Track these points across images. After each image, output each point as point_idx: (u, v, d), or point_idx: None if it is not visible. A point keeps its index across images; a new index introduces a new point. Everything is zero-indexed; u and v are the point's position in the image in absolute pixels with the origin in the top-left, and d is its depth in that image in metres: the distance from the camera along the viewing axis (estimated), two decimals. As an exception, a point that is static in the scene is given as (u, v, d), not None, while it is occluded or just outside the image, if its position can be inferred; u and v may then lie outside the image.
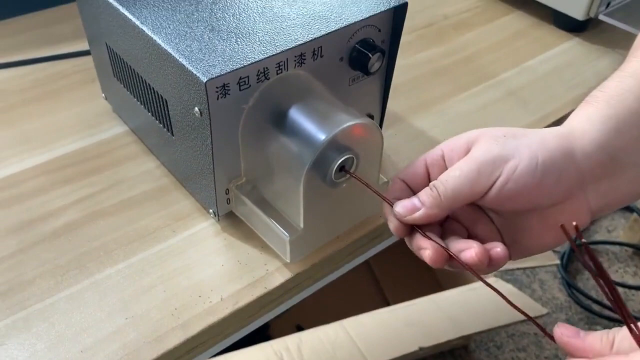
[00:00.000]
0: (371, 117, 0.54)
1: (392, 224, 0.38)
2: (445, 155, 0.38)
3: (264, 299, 0.45)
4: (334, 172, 0.40)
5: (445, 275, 1.28)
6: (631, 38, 0.72)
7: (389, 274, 1.30)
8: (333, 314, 1.07)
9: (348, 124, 0.40)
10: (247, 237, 0.48)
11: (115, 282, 0.44)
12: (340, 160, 0.40)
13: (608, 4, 0.71)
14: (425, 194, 0.37)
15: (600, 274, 0.27)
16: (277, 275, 0.45)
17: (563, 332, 0.30)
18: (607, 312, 1.33)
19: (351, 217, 0.48)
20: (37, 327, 0.41)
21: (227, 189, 0.46)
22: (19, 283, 0.44)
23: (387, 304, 1.22)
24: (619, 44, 0.74)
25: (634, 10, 0.72)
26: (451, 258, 0.35)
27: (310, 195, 0.41)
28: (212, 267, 0.46)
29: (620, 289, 1.37)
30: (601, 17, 0.71)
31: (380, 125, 0.56)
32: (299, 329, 1.12)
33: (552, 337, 0.31)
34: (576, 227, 0.26)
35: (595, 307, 1.35)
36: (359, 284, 1.29)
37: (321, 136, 0.39)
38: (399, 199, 0.38)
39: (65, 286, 0.44)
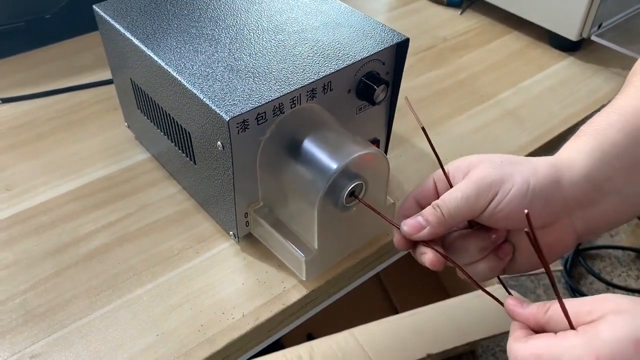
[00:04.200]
0: (377, 141, 0.58)
1: (397, 240, 0.43)
2: (450, 174, 0.42)
3: (282, 315, 0.48)
4: (345, 197, 0.44)
5: (451, 283, 1.31)
6: (622, 57, 0.76)
7: (397, 283, 1.33)
8: (343, 322, 1.11)
9: (358, 153, 0.44)
10: (265, 257, 0.51)
11: (145, 301, 0.48)
12: (350, 187, 0.44)
13: (600, 25, 0.75)
14: (430, 214, 0.41)
15: (539, 255, 0.32)
16: (293, 292, 0.49)
17: (510, 302, 0.36)
18: (610, 316, 1.36)
19: (361, 237, 0.52)
20: (76, 344, 0.45)
21: (246, 213, 0.50)
22: (57, 304, 0.48)
23: (395, 312, 1.25)
24: (612, 62, 0.77)
25: (624, 31, 0.76)
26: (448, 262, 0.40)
27: (323, 219, 0.45)
28: (234, 286, 0.50)
29: (623, 293, 1.39)
30: (593, 37, 0.74)
31: (386, 147, 0.60)
32: (310, 337, 1.15)
33: (502, 304, 0.37)
34: (527, 215, 0.31)
35: (599, 311, 1.38)
36: (368, 293, 1.32)
37: (333, 165, 0.43)
38: (409, 215, 0.42)
39: (100, 306, 0.48)
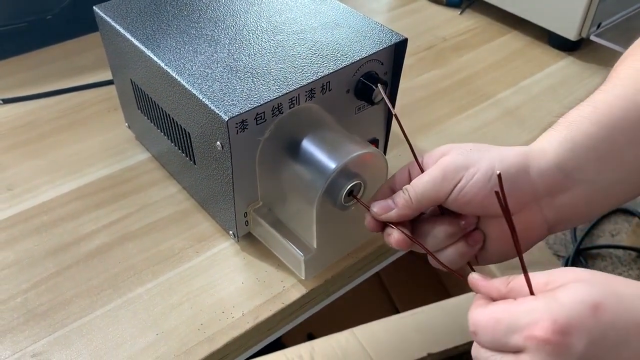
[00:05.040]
0: (376, 141, 0.58)
1: (368, 222, 0.44)
2: (424, 163, 0.43)
3: (282, 314, 0.49)
4: (343, 197, 0.44)
5: (452, 282, 1.31)
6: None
7: (397, 282, 1.33)
8: (343, 322, 1.11)
9: (356, 153, 0.44)
10: (265, 256, 0.52)
11: (145, 300, 0.49)
12: (349, 186, 0.44)
13: (599, 25, 0.75)
14: (398, 197, 0.42)
15: (506, 216, 0.33)
16: (293, 291, 0.49)
17: (474, 275, 0.37)
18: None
19: (360, 236, 0.52)
20: (77, 343, 0.46)
21: (246, 212, 0.50)
22: (58, 303, 0.48)
23: (395, 311, 1.26)
24: (611, 62, 0.77)
25: (624, 30, 0.76)
26: (413, 243, 0.42)
27: (322, 218, 0.45)
28: (233, 285, 0.50)
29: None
30: (592, 37, 0.74)
31: (385, 147, 0.60)
32: (310, 337, 1.16)
33: (463, 278, 0.38)
34: (499, 175, 0.32)
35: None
36: (368, 292, 1.33)
37: (332, 165, 0.43)
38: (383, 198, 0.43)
39: (100, 305, 0.48)
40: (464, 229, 0.42)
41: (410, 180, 0.44)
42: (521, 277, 0.33)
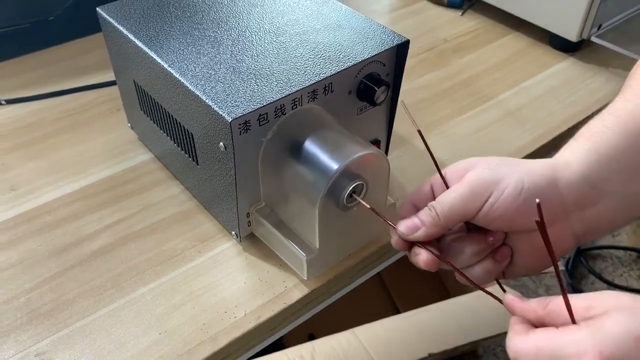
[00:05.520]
0: (378, 141, 0.58)
1: (394, 241, 0.43)
2: (447, 177, 0.42)
3: (284, 314, 0.49)
4: (345, 197, 0.45)
5: (452, 283, 1.31)
6: (622, 58, 0.77)
7: (398, 283, 1.33)
8: (344, 322, 1.11)
9: (358, 154, 0.44)
10: (267, 256, 0.52)
11: (148, 300, 0.49)
12: (351, 187, 0.44)
13: (600, 26, 0.75)
14: (425, 214, 0.41)
15: (546, 245, 0.32)
16: (295, 291, 0.50)
17: (509, 296, 0.36)
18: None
19: (362, 236, 0.52)
20: (80, 343, 0.46)
21: (248, 213, 0.50)
22: (62, 303, 0.49)
23: (396, 311, 1.26)
24: (612, 63, 0.78)
25: (624, 31, 0.76)
26: (442, 263, 0.41)
27: (324, 219, 0.45)
28: (236, 285, 0.50)
29: (624, 293, 1.40)
30: (593, 38, 0.75)
31: (387, 148, 0.60)
32: (311, 337, 1.16)
33: (501, 301, 0.37)
34: (538, 205, 0.31)
35: (601, 311, 1.38)
36: (370, 292, 1.33)
37: (334, 166, 0.44)
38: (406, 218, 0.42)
39: (103, 305, 0.49)
40: (492, 246, 0.41)
41: (433, 195, 0.43)
42: (560, 300, 0.33)
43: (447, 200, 0.40)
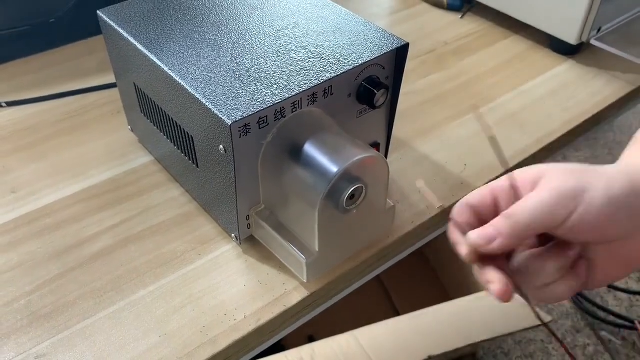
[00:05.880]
0: (378, 144, 0.58)
1: (465, 252, 0.37)
2: (515, 186, 0.38)
3: (284, 316, 0.49)
4: (345, 200, 0.45)
5: (452, 285, 1.31)
6: (622, 61, 0.77)
7: (398, 285, 1.33)
8: (344, 324, 1.11)
9: (358, 157, 0.44)
10: (267, 259, 0.52)
11: (148, 302, 0.49)
12: (350, 190, 0.44)
13: (599, 29, 0.75)
14: (502, 224, 0.36)
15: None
16: (295, 293, 0.50)
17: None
18: (611, 318, 1.36)
19: (361, 239, 0.52)
20: (80, 345, 0.46)
21: (248, 215, 0.51)
22: (62, 305, 0.49)
23: (396, 313, 1.26)
24: (611, 66, 0.78)
25: (624, 34, 0.76)
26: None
27: (324, 222, 0.45)
28: (236, 287, 0.50)
29: (624, 295, 1.39)
30: (593, 41, 0.75)
31: (387, 151, 0.60)
32: (311, 339, 1.16)
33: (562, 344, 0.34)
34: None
35: (601, 314, 1.38)
36: (369, 294, 1.33)
37: (334, 168, 0.44)
38: (469, 223, 0.38)
39: (104, 307, 0.49)
40: (572, 259, 0.37)
41: (495, 205, 0.39)
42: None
43: (527, 209, 0.35)
